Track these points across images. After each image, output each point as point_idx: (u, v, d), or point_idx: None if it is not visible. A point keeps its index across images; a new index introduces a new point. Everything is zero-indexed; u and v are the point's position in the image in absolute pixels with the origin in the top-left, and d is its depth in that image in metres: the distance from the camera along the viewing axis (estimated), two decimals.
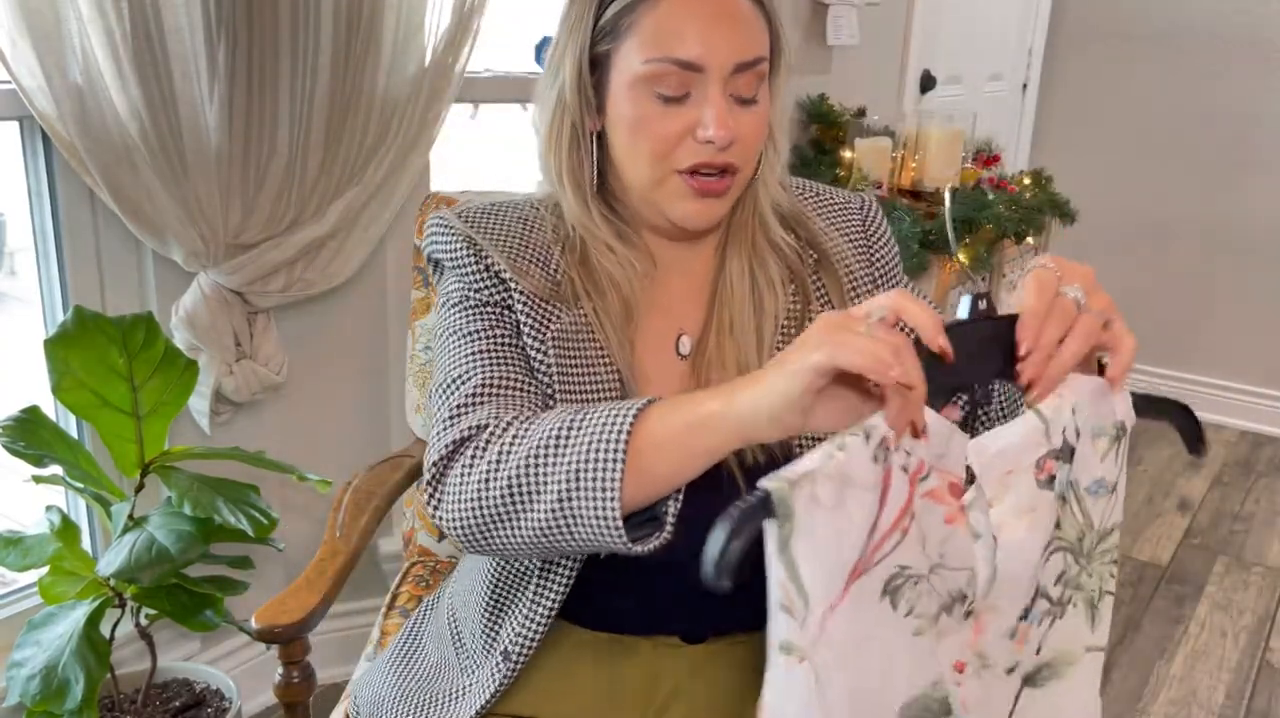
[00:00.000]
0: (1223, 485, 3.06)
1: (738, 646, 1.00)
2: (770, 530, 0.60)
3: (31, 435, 1.33)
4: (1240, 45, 3.24)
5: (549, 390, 0.92)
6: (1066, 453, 0.70)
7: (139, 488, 1.39)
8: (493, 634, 0.99)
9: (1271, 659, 2.20)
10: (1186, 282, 3.48)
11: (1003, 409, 1.01)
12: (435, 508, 0.86)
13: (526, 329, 0.93)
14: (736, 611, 0.98)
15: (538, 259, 0.96)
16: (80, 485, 1.38)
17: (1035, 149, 3.67)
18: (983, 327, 0.69)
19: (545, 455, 0.79)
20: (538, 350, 0.93)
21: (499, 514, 0.81)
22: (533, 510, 0.79)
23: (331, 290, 1.72)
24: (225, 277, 1.55)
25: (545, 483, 0.78)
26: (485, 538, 0.84)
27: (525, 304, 0.94)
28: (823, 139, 2.58)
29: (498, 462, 0.81)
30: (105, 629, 1.35)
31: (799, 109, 2.60)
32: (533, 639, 0.95)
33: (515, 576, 0.99)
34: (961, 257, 2.23)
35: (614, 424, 0.76)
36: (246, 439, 1.67)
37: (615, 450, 0.75)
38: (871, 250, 1.03)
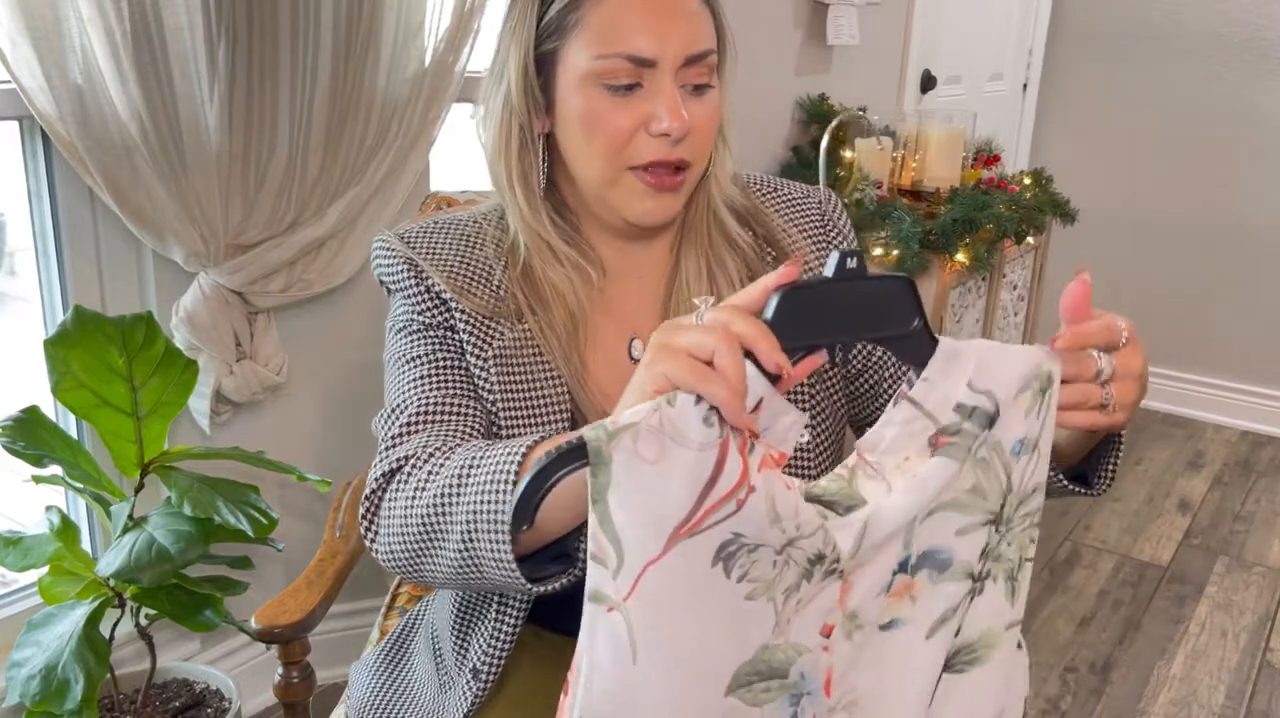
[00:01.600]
0: (1223, 485, 3.06)
1: None
2: (588, 480, 0.61)
3: (31, 435, 1.33)
4: (1240, 45, 3.25)
5: (492, 409, 0.92)
6: (982, 420, 0.69)
7: (139, 488, 1.39)
8: (462, 651, 0.99)
9: (1271, 659, 2.20)
10: (1186, 282, 3.48)
11: (868, 371, 1.01)
12: (371, 541, 0.86)
13: (470, 349, 0.93)
14: None
15: (480, 277, 0.95)
16: (80, 485, 1.38)
17: (1035, 149, 3.67)
18: (847, 287, 0.68)
19: (449, 495, 0.78)
20: (481, 370, 0.92)
21: (420, 549, 0.81)
22: (445, 549, 0.79)
23: (331, 290, 1.72)
24: (225, 277, 1.55)
25: (451, 524, 0.78)
26: (415, 571, 0.83)
27: (468, 324, 0.93)
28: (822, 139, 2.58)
29: (414, 496, 0.81)
30: (105, 629, 1.35)
31: (799, 109, 2.60)
32: (499, 656, 0.95)
33: (479, 592, 0.99)
34: (961, 256, 2.23)
35: (503, 467, 0.75)
36: (246, 439, 1.67)
37: (503, 494, 0.74)
38: (830, 245, 1.02)
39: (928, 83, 3.11)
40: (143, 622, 1.44)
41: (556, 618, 1.00)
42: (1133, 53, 3.42)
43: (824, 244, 1.02)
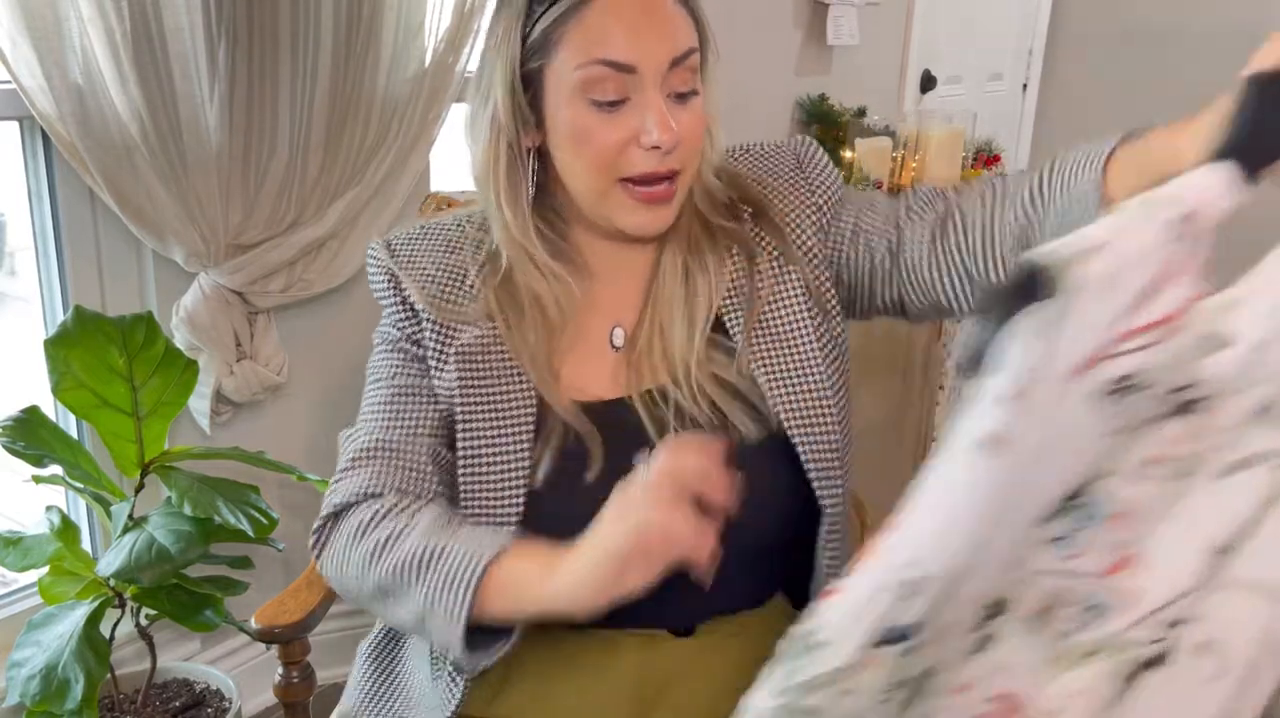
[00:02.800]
0: None
1: (730, 637, 1.00)
2: (1029, 312, 0.54)
3: (31, 435, 1.33)
4: (1240, 46, 3.24)
5: (450, 409, 0.94)
6: None
7: (139, 488, 1.39)
8: None
9: None
10: None
11: (854, 259, 0.99)
12: (318, 557, 0.94)
13: (431, 355, 0.95)
14: (719, 595, 0.97)
15: (454, 281, 0.97)
16: (80, 485, 1.38)
17: (1035, 149, 3.67)
18: None
19: (410, 573, 0.85)
20: (439, 370, 0.95)
21: (373, 600, 0.90)
22: (401, 610, 0.87)
23: (331, 290, 1.72)
24: (226, 277, 1.55)
25: (409, 596, 0.86)
26: (363, 608, 0.93)
27: (434, 329, 0.95)
28: (823, 139, 2.58)
29: (372, 556, 0.88)
30: (105, 629, 1.35)
31: (799, 109, 2.60)
32: None
33: None
34: None
35: (465, 568, 0.82)
36: (246, 439, 1.67)
37: (462, 592, 0.81)
38: (810, 182, 1.01)
39: (928, 83, 3.11)
40: (143, 622, 1.44)
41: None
42: (1133, 53, 3.42)
43: (801, 184, 1.01)
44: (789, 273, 0.97)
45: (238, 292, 1.57)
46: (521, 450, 0.92)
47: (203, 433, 1.65)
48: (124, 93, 1.36)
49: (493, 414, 0.93)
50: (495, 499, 0.93)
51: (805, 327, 0.96)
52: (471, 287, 0.96)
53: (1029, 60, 3.60)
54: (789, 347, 0.96)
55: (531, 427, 0.93)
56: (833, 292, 0.99)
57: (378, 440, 0.96)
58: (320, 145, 1.58)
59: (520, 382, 0.94)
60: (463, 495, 0.94)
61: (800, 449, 0.93)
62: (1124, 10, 3.42)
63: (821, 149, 1.05)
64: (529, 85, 0.91)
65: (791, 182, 1.02)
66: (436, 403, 0.96)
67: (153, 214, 1.46)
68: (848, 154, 2.42)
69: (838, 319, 1.00)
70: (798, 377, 0.95)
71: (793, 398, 0.94)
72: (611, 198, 0.91)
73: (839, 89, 2.66)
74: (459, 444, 0.94)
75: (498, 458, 0.93)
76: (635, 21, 0.87)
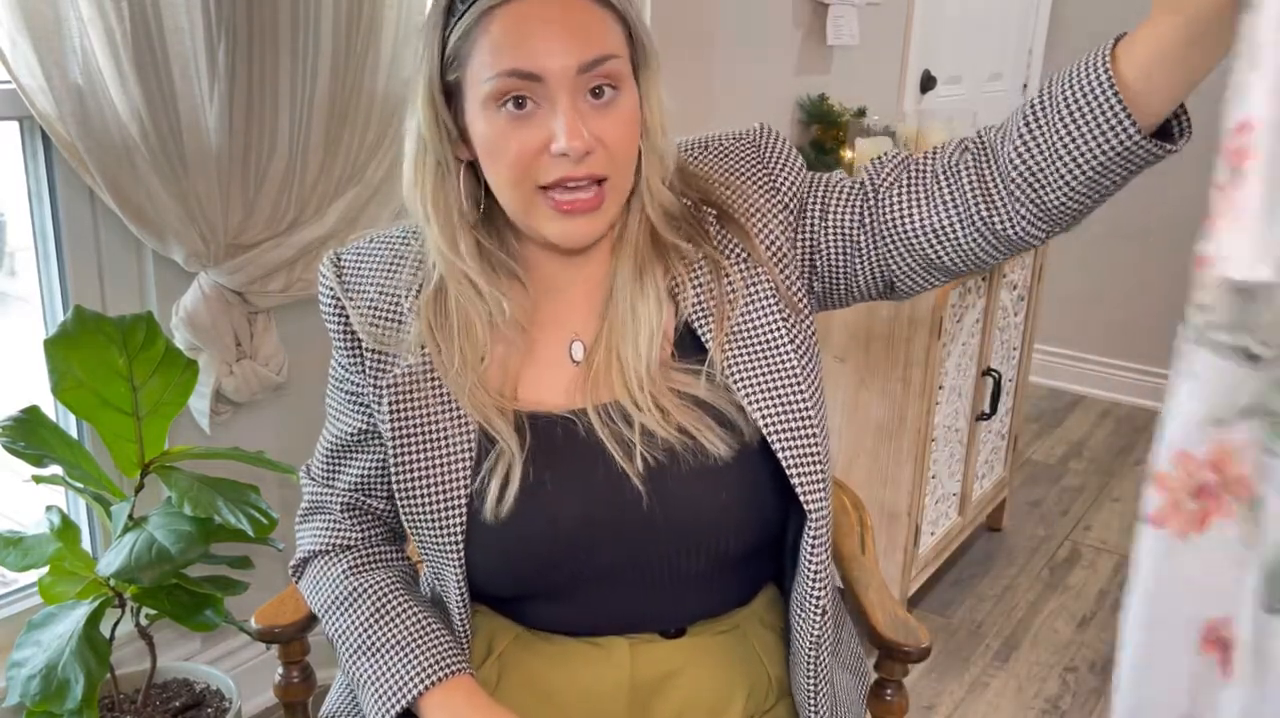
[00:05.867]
0: None
1: (721, 633, 1.00)
2: None
3: (31, 435, 1.33)
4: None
5: (387, 441, 0.94)
6: None
7: (139, 488, 1.39)
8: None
9: None
10: (1185, 282, 3.47)
11: (823, 248, 0.98)
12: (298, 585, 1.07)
13: (369, 387, 0.95)
14: (708, 599, 0.98)
15: (391, 307, 0.96)
16: (80, 485, 1.38)
17: None
18: None
19: (347, 649, 0.95)
20: (375, 401, 0.95)
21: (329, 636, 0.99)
22: (340, 657, 0.96)
23: None
24: (226, 277, 1.55)
25: (345, 665, 0.95)
26: None
27: (372, 358, 0.95)
28: (823, 139, 2.58)
29: (324, 613, 0.99)
30: (105, 629, 1.35)
31: (799, 109, 2.60)
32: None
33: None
34: None
35: (387, 691, 0.91)
36: (246, 439, 1.67)
37: (385, 704, 0.90)
38: (774, 179, 0.98)
39: (928, 83, 3.11)
40: (143, 622, 1.44)
41: (553, 620, 1.00)
42: None
43: (765, 181, 0.98)
44: (758, 275, 0.95)
45: (238, 291, 1.57)
46: (458, 482, 0.91)
47: (203, 433, 1.65)
48: (124, 93, 1.36)
49: (427, 447, 0.92)
50: (435, 533, 0.92)
51: (779, 330, 0.94)
52: (406, 312, 0.95)
53: (1029, 60, 3.60)
54: (764, 353, 0.93)
55: (469, 458, 0.92)
56: (801, 289, 0.97)
57: (321, 498, 1.04)
58: (320, 145, 1.58)
59: (458, 412, 0.93)
60: (406, 526, 0.95)
61: (783, 457, 0.90)
62: (1123, 10, 3.41)
63: (782, 136, 1.01)
64: (451, 98, 0.88)
65: (755, 179, 0.98)
66: (382, 442, 0.98)
67: (153, 214, 1.46)
68: (848, 154, 2.43)
69: (807, 316, 0.97)
70: (776, 384, 0.93)
71: (773, 407, 0.92)
72: (535, 208, 0.88)
73: (839, 89, 2.66)
74: (393, 478, 0.94)
75: (432, 491, 0.92)
76: (541, 29, 0.84)
